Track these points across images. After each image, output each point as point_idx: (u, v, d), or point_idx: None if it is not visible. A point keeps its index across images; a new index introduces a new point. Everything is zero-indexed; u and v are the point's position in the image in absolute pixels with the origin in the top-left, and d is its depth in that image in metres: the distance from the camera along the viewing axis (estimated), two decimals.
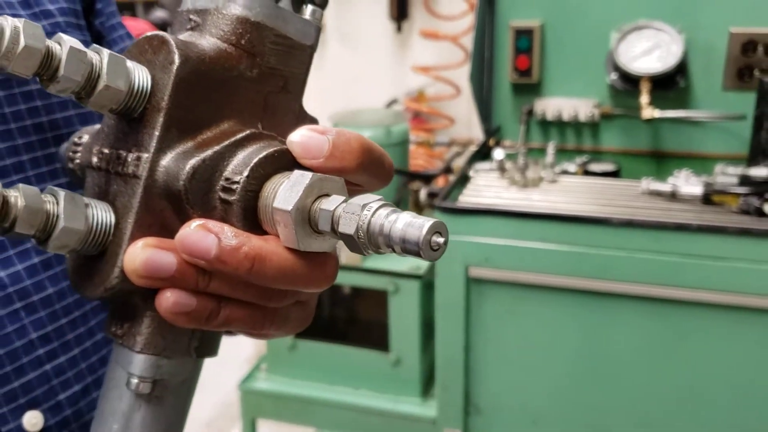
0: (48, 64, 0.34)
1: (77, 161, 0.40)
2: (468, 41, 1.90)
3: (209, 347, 0.41)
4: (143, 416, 0.39)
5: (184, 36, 0.39)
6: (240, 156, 0.37)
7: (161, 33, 0.38)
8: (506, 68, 1.93)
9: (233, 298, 0.38)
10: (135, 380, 0.38)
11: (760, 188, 1.51)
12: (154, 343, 0.38)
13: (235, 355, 2.82)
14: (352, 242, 0.35)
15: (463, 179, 1.71)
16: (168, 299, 0.36)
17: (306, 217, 0.36)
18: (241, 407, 1.92)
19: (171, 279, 0.36)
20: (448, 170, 1.87)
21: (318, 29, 0.42)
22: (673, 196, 1.56)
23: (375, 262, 1.75)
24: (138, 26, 2.89)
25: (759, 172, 1.64)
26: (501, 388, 1.65)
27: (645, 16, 1.83)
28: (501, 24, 1.92)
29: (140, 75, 0.37)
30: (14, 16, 0.53)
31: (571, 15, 1.88)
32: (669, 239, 1.44)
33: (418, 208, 1.79)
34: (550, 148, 1.72)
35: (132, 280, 0.36)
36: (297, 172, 0.36)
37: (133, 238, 0.37)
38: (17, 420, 0.54)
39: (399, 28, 2.26)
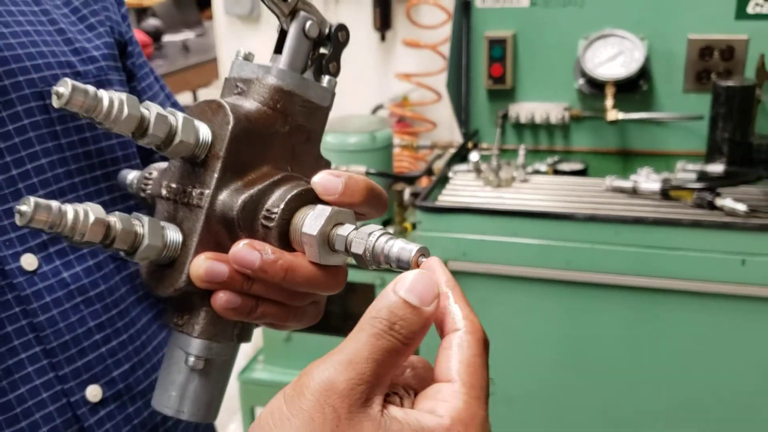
0: (141, 126, 0.48)
1: (148, 192, 0.53)
2: (447, 50, 2.03)
3: (246, 334, 0.55)
4: (195, 386, 0.51)
5: (232, 99, 0.52)
6: (277, 193, 0.50)
7: (218, 99, 0.51)
8: (482, 75, 2.06)
9: (267, 298, 0.52)
10: (192, 359, 0.51)
11: (713, 183, 1.65)
12: (207, 331, 0.51)
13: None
14: (361, 260, 0.48)
15: (443, 180, 1.84)
16: (221, 298, 0.49)
17: (326, 240, 0.48)
18: (240, 396, 2.05)
19: (224, 283, 0.49)
20: (429, 172, 2.00)
21: (333, 94, 0.56)
22: (634, 192, 1.69)
23: None
24: None
25: (715, 168, 1.78)
26: None
27: (610, 25, 1.96)
28: (476, 35, 2.04)
29: (204, 131, 0.50)
30: (67, 63, 0.67)
31: (541, 26, 2.01)
32: (628, 232, 1.58)
33: (402, 208, 1.92)
34: (521, 150, 1.86)
35: (195, 284, 0.49)
36: (319, 206, 0.49)
37: (197, 252, 0.49)
38: (82, 392, 0.67)
39: (383, 38, 2.38)
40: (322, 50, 0.55)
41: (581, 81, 1.99)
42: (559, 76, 2.03)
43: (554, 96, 2.05)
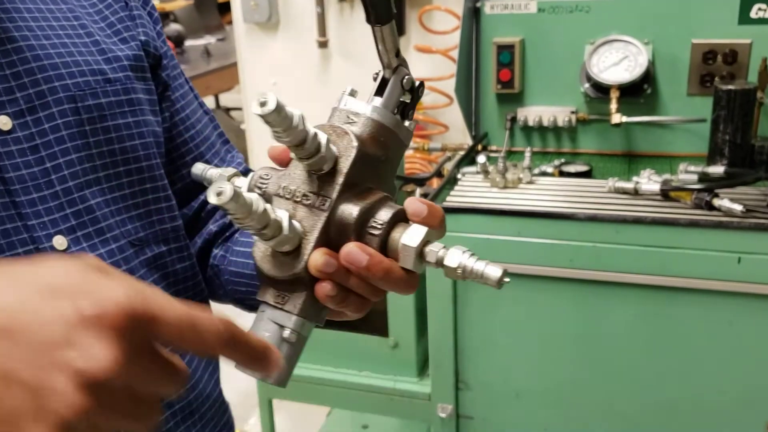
0: (305, 140, 0.58)
1: (265, 189, 0.63)
2: (457, 55, 2.10)
3: (323, 319, 0.64)
4: (287, 354, 0.60)
5: (346, 127, 0.62)
6: (382, 209, 0.61)
7: (343, 127, 0.61)
8: (491, 80, 2.12)
9: (355, 292, 0.61)
10: (287, 331, 0.60)
11: (711, 184, 1.70)
12: (304, 310, 0.60)
13: None
14: (450, 271, 0.59)
15: (452, 181, 1.91)
16: (325, 287, 0.59)
17: (420, 252, 0.60)
18: (259, 389, 2.13)
19: (331, 274, 0.59)
20: (439, 174, 2.07)
21: (411, 134, 0.67)
22: (636, 193, 1.74)
23: None
24: None
25: (715, 169, 1.83)
26: (487, 367, 1.85)
27: (615, 30, 2.02)
28: (485, 40, 2.11)
29: (332, 151, 0.60)
30: (99, 70, 0.78)
31: (548, 31, 2.07)
32: (628, 231, 1.64)
33: None
34: (527, 153, 1.92)
35: (310, 272, 0.59)
36: (415, 225, 0.61)
37: (315, 247, 0.59)
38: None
39: None
40: (402, 98, 0.66)
41: (587, 85, 2.05)
42: (565, 80, 2.09)
43: (561, 100, 2.11)
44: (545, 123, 2.11)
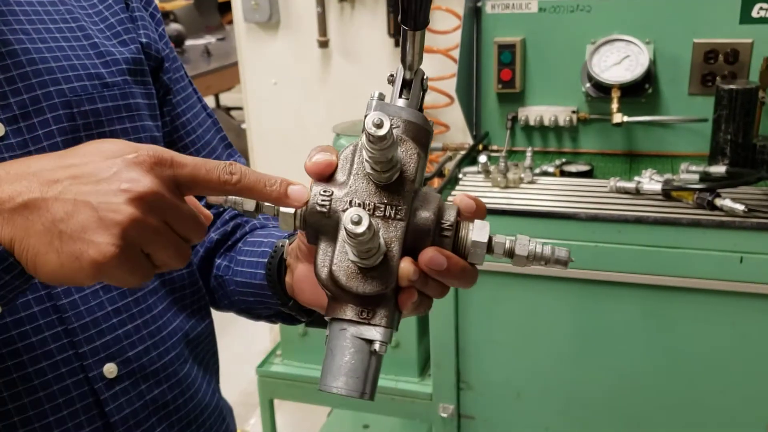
0: (394, 161, 0.59)
1: (329, 206, 0.61)
2: (458, 54, 2.09)
3: (398, 324, 0.64)
4: (374, 369, 0.60)
5: (396, 132, 0.62)
6: (446, 210, 0.62)
7: (404, 135, 0.61)
8: (492, 80, 2.12)
9: (427, 294, 0.62)
10: (378, 345, 0.59)
11: (712, 184, 1.70)
12: (391, 320, 0.60)
13: (255, 350, 3.03)
14: (521, 260, 0.62)
15: (453, 181, 1.91)
16: (412, 295, 0.60)
17: (487, 245, 0.62)
18: (259, 390, 2.13)
19: (414, 281, 0.59)
20: (440, 173, 2.06)
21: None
22: (637, 193, 1.74)
23: None
24: None
25: (717, 169, 1.82)
26: (488, 367, 1.85)
27: (617, 30, 2.02)
28: (486, 40, 2.11)
29: (399, 160, 0.61)
30: (96, 74, 0.76)
31: (549, 31, 2.07)
32: (630, 231, 1.64)
33: None
34: (528, 152, 1.92)
35: (401, 283, 0.59)
36: (477, 221, 0.62)
37: (400, 257, 0.60)
38: (99, 368, 0.75)
39: (397, 43, 2.45)
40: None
41: (588, 85, 2.05)
42: (566, 80, 2.08)
43: (562, 99, 2.10)
44: (546, 123, 2.11)
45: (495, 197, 1.79)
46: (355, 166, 0.61)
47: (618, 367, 1.75)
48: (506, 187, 1.83)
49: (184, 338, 0.86)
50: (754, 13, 1.94)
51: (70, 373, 0.73)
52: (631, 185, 1.74)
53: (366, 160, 0.59)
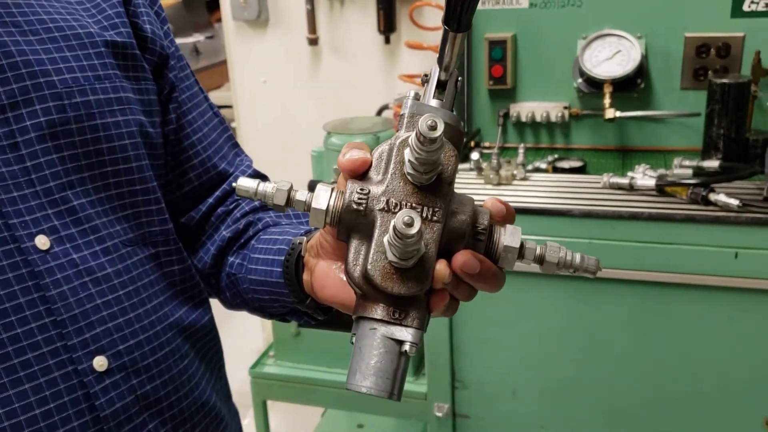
0: (438, 166, 0.59)
1: (366, 205, 0.60)
2: None
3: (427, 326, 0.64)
4: (402, 369, 0.60)
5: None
6: (479, 214, 0.62)
7: (441, 136, 0.59)
8: (483, 76, 2.11)
9: (455, 297, 0.62)
10: (408, 345, 0.59)
11: (707, 179, 1.69)
12: (422, 321, 0.60)
13: (247, 350, 3.01)
14: (551, 267, 0.62)
15: None
16: (444, 297, 0.60)
17: (518, 250, 0.62)
18: (252, 391, 2.11)
19: (446, 284, 0.59)
20: None
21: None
22: (631, 189, 1.73)
23: None
24: None
25: (710, 164, 1.82)
26: (483, 365, 1.84)
27: (608, 25, 2.01)
28: (477, 36, 2.09)
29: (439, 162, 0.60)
30: (89, 66, 0.76)
31: (540, 26, 2.06)
32: (624, 227, 1.63)
33: None
34: (521, 149, 1.91)
35: (435, 285, 0.59)
36: (509, 226, 0.62)
37: (436, 260, 0.59)
38: (89, 361, 0.73)
39: (387, 40, 2.43)
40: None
41: (580, 80, 2.04)
42: (558, 75, 2.07)
43: (554, 95, 2.09)
44: (538, 119, 2.10)
45: (488, 194, 1.77)
46: (392, 165, 0.60)
47: (613, 363, 1.75)
48: (499, 183, 1.81)
49: (181, 333, 0.84)
50: (746, 7, 1.93)
51: (58, 366, 0.71)
52: (624, 181, 1.74)
53: (409, 161, 0.59)
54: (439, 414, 1.89)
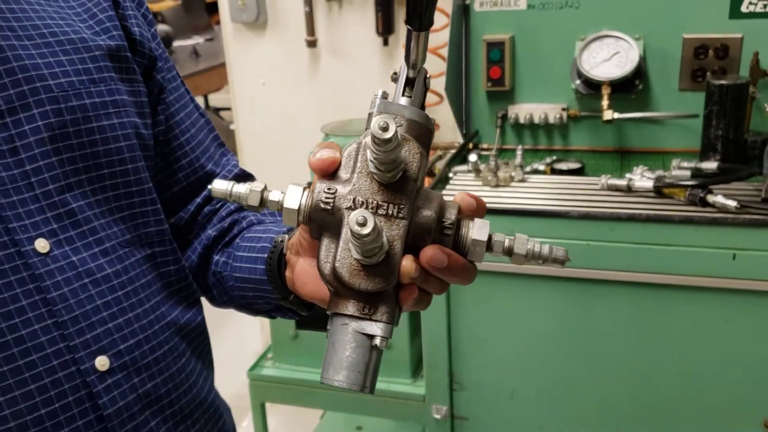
0: (398, 162, 0.59)
1: (333, 204, 0.62)
2: (447, 53, 2.08)
3: (399, 320, 0.65)
4: (375, 363, 0.61)
5: (399, 131, 0.61)
6: (447, 209, 0.62)
7: (407, 135, 0.61)
8: (481, 78, 2.11)
9: (427, 290, 0.63)
10: (378, 340, 0.61)
11: (704, 180, 1.69)
12: (392, 316, 0.62)
13: (245, 352, 3.01)
14: (519, 259, 0.63)
15: (443, 180, 1.89)
16: (413, 292, 0.61)
17: (486, 243, 0.62)
18: (251, 393, 2.11)
19: (414, 279, 0.60)
20: (430, 173, 2.05)
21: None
22: (629, 190, 1.73)
23: None
24: None
25: (708, 165, 1.81)
26: (481, 367, 1.84)
27: (606, 26, 2.01)
28: (475, 38, 2.09)
29: (402, 160, 0.61)
30: (84, 70, 0.77)
31: (538, 28, 2.06)
32: (622, 229, 1.62)
33: None
34: (519, 151, 1.90)
35: (402, 280, 0.60)
36: (478, 220, 0.63)
37: (402, 255, 0.60)
38: (91, 361, 0.74)
39: (386, 42, 2.44)
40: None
41: (578, 82, 2.03)
42: (556, 77, 2.07)
43: (552, 97, 2.09)
44: (536, 120, 2.10)
45: (486, 196, 1.77)
46: (358, 164, 0.61)
47: (611, 365, 1.74)
48: (497, 185, 1.81)
49: (178, 332, 0.85)
50: (744, 8, 1.93)
51: (62, 366, 0.73)
52: (622, 182, 1.73)
53: (370, 160, 0.60)
54: (438, 416, 1.89)
